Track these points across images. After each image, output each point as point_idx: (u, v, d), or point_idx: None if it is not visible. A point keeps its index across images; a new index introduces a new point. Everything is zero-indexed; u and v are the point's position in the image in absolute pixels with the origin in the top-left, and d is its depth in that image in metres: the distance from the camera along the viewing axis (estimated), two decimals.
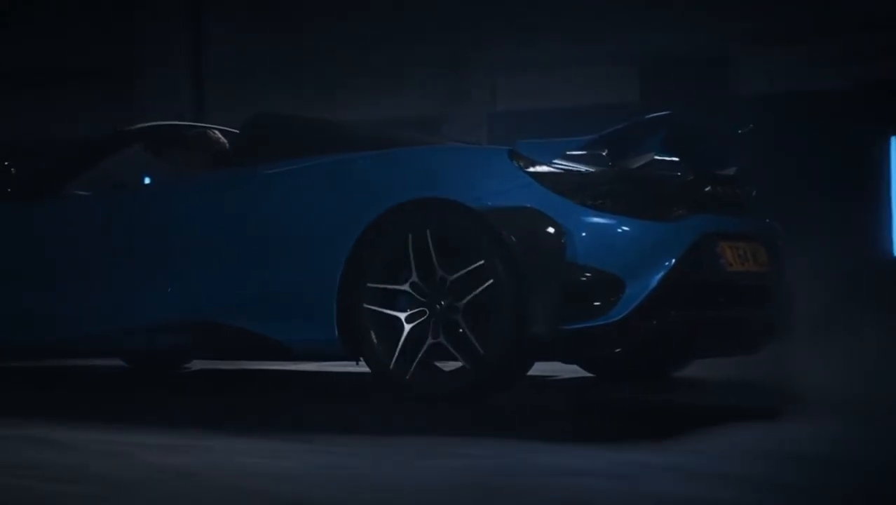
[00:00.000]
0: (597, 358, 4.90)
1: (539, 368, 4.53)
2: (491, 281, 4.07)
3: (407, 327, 4.22)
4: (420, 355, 4.19)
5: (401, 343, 4.21)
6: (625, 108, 10.16)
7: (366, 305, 4.26)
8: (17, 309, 5.22)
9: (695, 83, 10.31)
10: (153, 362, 6.37)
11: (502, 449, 3.43)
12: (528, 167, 4.20)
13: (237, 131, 5.27)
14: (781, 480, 2.99)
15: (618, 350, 4.10)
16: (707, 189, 4.56)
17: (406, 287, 4.23)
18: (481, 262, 4.10)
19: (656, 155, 4.45)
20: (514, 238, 4.06)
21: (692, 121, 4.77)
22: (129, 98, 11.72)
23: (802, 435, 3.78)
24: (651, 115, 4.48)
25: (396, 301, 4.27)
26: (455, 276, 4.15)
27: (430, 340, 4.18)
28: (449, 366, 4.27)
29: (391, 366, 4.23)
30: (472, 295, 4.12)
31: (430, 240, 4.19)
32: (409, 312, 4.22)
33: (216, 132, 5.59)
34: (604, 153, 4.28)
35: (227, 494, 2.83)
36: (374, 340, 4.27)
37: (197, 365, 6.51)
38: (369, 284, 4.28)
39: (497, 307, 4.07)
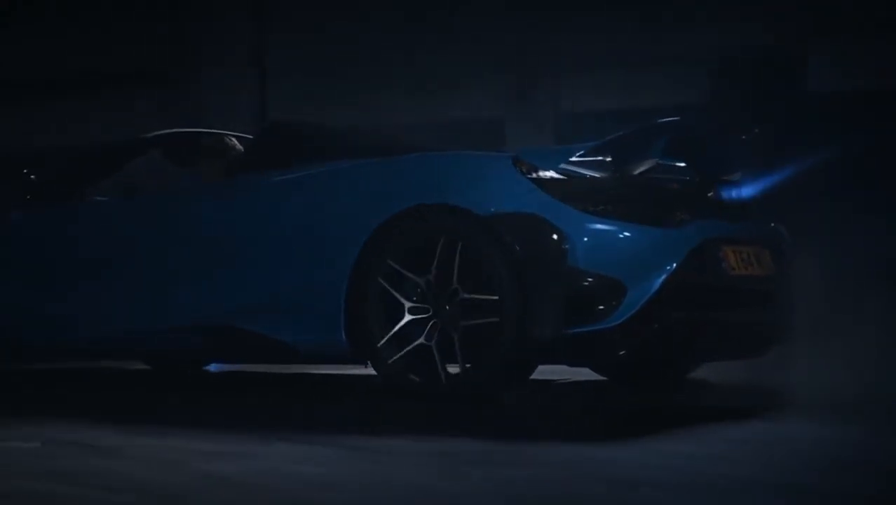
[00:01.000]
0: (602, 361, 5.02)
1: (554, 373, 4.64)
2: (494, 286, 4.23)
3: (407, 317, 4.41)
4: (408, 348, 4.39)
5: (396, 328, 4.41)
6: (693, 107, 10.07)
7: (373, 315, 4.45)
8: (38, 311, 5.48)
9: (767, 81, 10.15)
10: (173, 364, 6.57)
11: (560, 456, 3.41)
12: (531, 174, 4.33)
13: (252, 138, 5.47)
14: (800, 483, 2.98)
15: (622, 353, 4.26)
16: (711, 194, 4.72)
17: (408, 293, 4.41)
18: (485, 267, 4.25)
19: (661, 160, 4.57)
20: (516, 243, 4.21)
21: (697, 126, 4.88)
22: (190, 100, 11.79)
23: (808, 436, 3.86)
24: (655, 121, 4.65)
25: (402, 307, 4.45)
26: (458, 281, 4.31)
27: (421, 340, 4.37)
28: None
29: (379, 344, 4.42)
30: (473, 299, 4.29)
31: (432, 245, 4.35)
32: (414, 318, 4.42)
33: (233, 139, 5.76)
34: (608, 159, 4.42)
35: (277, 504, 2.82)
36: (383, 345, 4.44)
37: (209, 367, 6.65)
38: (374, 295, 4.45)
39: (500, 313, 4.22)
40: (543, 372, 4.67)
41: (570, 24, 10.82)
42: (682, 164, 4.71)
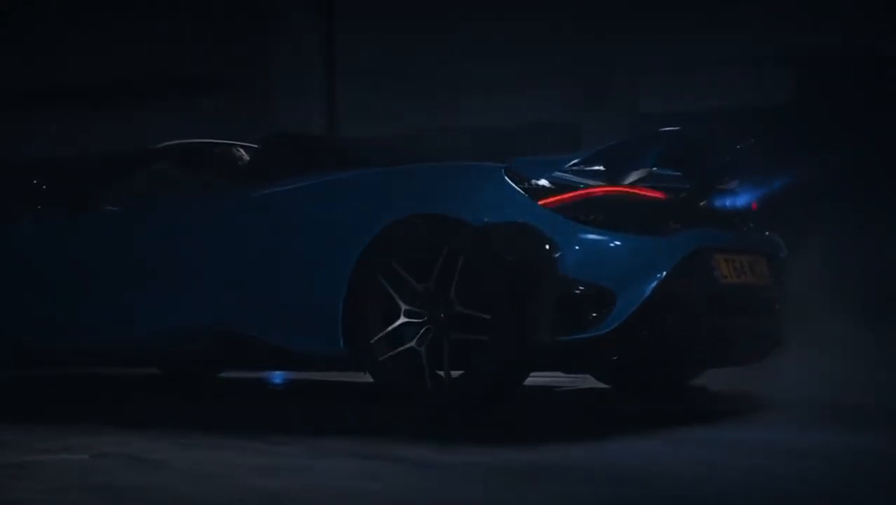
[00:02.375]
0: (595, 368, 5.14)
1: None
2: (487, 295, 4.37)
3: (409, 340, 4.57)
4: (399, 349, 4.57)
5: (391, 328, 4.58)
6: (778, 110, 9.90)
7: (370, 323, 4.62)
8: (49, 318, 5.71)
9: (854, 83, 9.94)
10: (186, 371, 6.84)
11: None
12: (523, 184, 4.47)
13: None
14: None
15: (613, 359, 4.46)
16: (705, 203, 4.85)
17: (405, 302, 4.58)
18: (478, 276, 4.41)
19: (657, 170, 4.71)
20: (507, 253, 4.36)
21: (692, 136, 4.97)
22: (262, 106, 11.86)
23: (789, 439, 3.97)
24: (648, 131, 4.86)
25: (398, 315, 4.61)
26: (452, 290, 4.47)
27: (431, 350, 4.53)
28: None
29: (372, 341, 4.61)
30: (467, 307, 4.44)
31: (427, 255, 4.51)
32: (407, 318, 4.59)
33: (240, 149, 5.94)
34: (600, 169, 4.60)
35: None
36: (379, 353, 4.62)
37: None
38: (371, 303, 4.64)
39: (493, 320, 4.36)
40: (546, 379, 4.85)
41: (646, 24, 10.70)
42: (677, 174, 4.86)
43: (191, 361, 6.20)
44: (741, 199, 4.99)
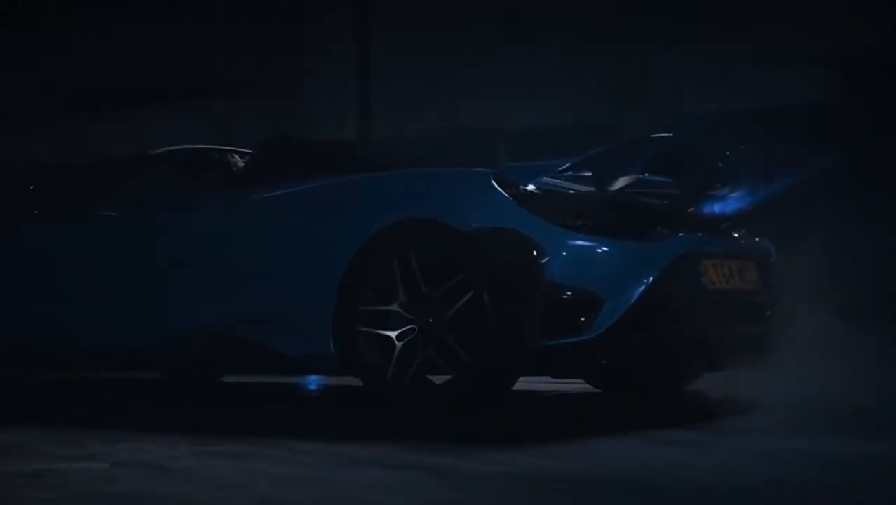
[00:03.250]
0: (583, 372, 5.21)
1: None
2: (475, 299, 4.44)
3: (399, 345, 4.64)
4: (413, 368, 4.61)
5: (394, 358, 4.64)
6: (825, 111, 9.76)
7: (360, 328, 4.70)
8: (49, 321, 5.82)
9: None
10: (188, 374, 6.99)
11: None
12: (511, 189, 4.55)
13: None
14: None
15: (602, 364, 4.53)
16: (693, 209, 4.96)
17: (395, 306, 4.64)
18: (466, 281, 4.47)
19: (643, 176, 4.84)
20: (496, 258, 4.43)
21: (683, 142, 5.07)
22: (294, 107, 11.84)
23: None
24: (637, 137, 4.96)
25: (388, 319, 4.70)
26: (441, 294, 4.54)
27: (421, 355, 4.59)
28: (438, 379, 4.69)
29: (388, 378, 4.66)
30: (456, 312, 4.50)
31: (416, 260, 4.59)
32: (399, 331, 4.65)
33: (236, 155, 6.09)
34: (588, 175, 4.72)
35: None
36: (369, 357, 4.71)
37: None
38: (361, 308, 4.71)
39: (481, 325, 4.44)
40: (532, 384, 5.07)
41: (690, 23, 10.59)
42: (666, 180, 4.95)
43: (190, 363, 6.33)
44: (732, 205, 5.08)
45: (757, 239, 5.24)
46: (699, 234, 4.84)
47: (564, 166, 4.67)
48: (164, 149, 6.13)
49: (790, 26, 10.03)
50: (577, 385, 5.85)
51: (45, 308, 5.83)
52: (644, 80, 11.02)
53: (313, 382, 6.94)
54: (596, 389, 5.76)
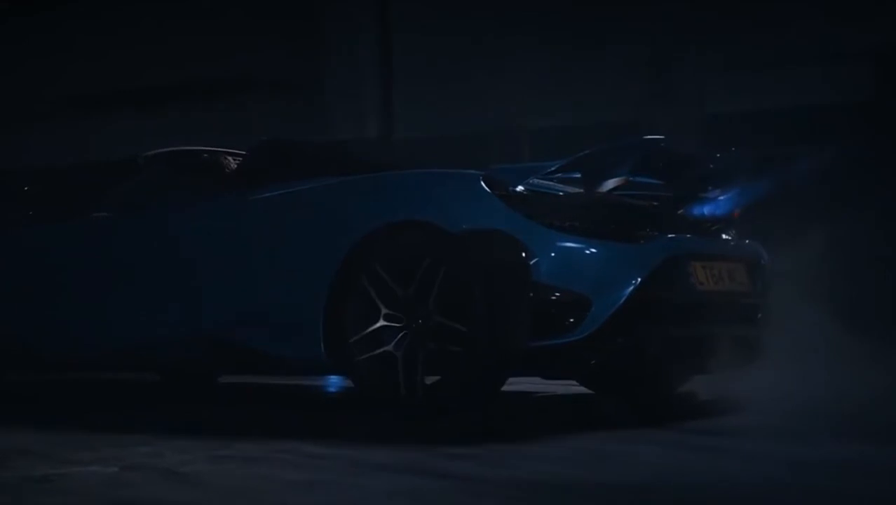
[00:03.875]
0: (572, 373, 5.20)
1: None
2: (464, 301, 4.44)
3: (383, 336, 4.63)
4: (378, 354, 4.61)
5: (369, 331, 4.63)
6: (859, 108, 9.64)
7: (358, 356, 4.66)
8: (39, 322, 5.86)
9: None
10: (184, 375, 7.02)
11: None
12: (500, 191, 4.57)
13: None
14: None
15: (591, 364, 4.55)
16: (683, 211, 5.02)
17: (386, 309, 4.63)
18: (455, 283, 4.48)
19: (633, 178, 4.88)
20: (483, 260, 4.45)
21: (673, 145, 5.09)
22: (316, 108, 11.80)
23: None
24: (627, 140, 5.04)
25: (380, 328, 4.67)
26: (430, 296, 4.53)
27: (389, 349, 4.60)
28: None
29: (350, 347, 4.66)
30: (445, 313, 4.50)
31: (407, 262, 4.59)
32: (387, 323, 4.64)
33: (229, 157, 6.11)
34: (577, 176, 4.76)
35: None
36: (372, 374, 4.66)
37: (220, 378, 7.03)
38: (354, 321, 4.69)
39: (470, 326, 4.44)
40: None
41: (716, 18, 10.49)
42: (657, 182, 5.00)
43: (185, 365, 6.38)
44: (722, 207, 5.13)
45: (747, 241, 5.29)
46: (688, 235, 4.90)
47: (554, 168, 4.70)
48: (157, 151, 6.16)
49: (817, 23, 9.92)
50: (572, 387, 5.84)
51: (37, 311, 5.88)
52: (671, 79, 10.93)
53: (334, 384, 6.90)
54: (589, 391, 5.78)
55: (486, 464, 3.67)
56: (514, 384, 5.05)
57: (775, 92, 10.32)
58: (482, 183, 4.61)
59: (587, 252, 4.51)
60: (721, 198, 5.13)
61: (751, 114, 10.17)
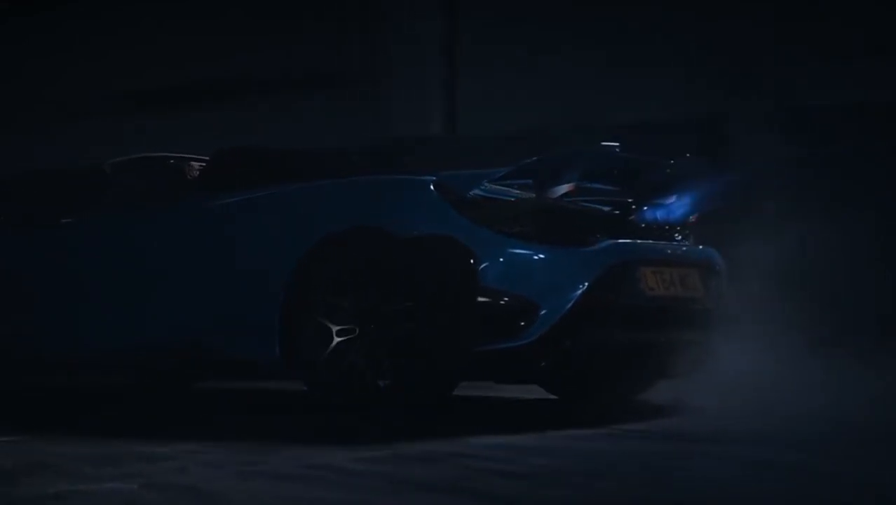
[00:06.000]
0: (521, 377, 5.26)
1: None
2: (415, 306, 4.61)
3: (336, 340, 4.80)
4: (331, 358, 4.79)
5: (329, 350, 4.81)
6: None
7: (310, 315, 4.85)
8: (23, 329, 6.03)
9: None
10: (165, 379, 7.27)
11: None
12: (449, 197, 4.73)
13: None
14: None
15: (540, 367, 4.71)
16: (635, 217, 5.14)
17: (336, 311, 4.79)
18: (405, 288, 4.64)
19: (590, 184, 5.04)
20: (432, 265, 4.62)
21: (626, 151, 5.11)
22: (379, 104, 11.66)
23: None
24: (578, 148, 5.21)
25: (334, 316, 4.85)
26: (382, 301, 4.68)
27: (342, 352, 4.76)
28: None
29: (304, 350, 4.87)
30: (396, 318, 4.65)
31: (359, 267, 4.77)
32: (340, 327, 4.81)
33: (194, 163, 6.31)
34: (527, 182, 4.91)
35: None
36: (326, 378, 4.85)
37: (200, 383, 7.24)
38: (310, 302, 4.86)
39: (420, 331, 4.61)
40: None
41: (799, 7, 10.18)
42: (610, 188, 5.16)
43: (156, 370, 6.63)
44: (677, 213, 5.26)
45: (701, 246, 5.39)
46: (639, 241, 5.01)
47: (502, 173, 4.82)
48: (123, 157, 6.35)
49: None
50: (535, 392, 5.88)
51: (4, 317, 6.03)
52: (750, 71, 10.63)
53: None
54: (553, 396, 5.90)
55: (526, 485, 3.44)
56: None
57: (858, 85, 10.01)
58: (432, 189, 4.77)
59: (535, 257, 4.65)
60: (675, 204, 5.26)
61: (831, 108, 9.88)
